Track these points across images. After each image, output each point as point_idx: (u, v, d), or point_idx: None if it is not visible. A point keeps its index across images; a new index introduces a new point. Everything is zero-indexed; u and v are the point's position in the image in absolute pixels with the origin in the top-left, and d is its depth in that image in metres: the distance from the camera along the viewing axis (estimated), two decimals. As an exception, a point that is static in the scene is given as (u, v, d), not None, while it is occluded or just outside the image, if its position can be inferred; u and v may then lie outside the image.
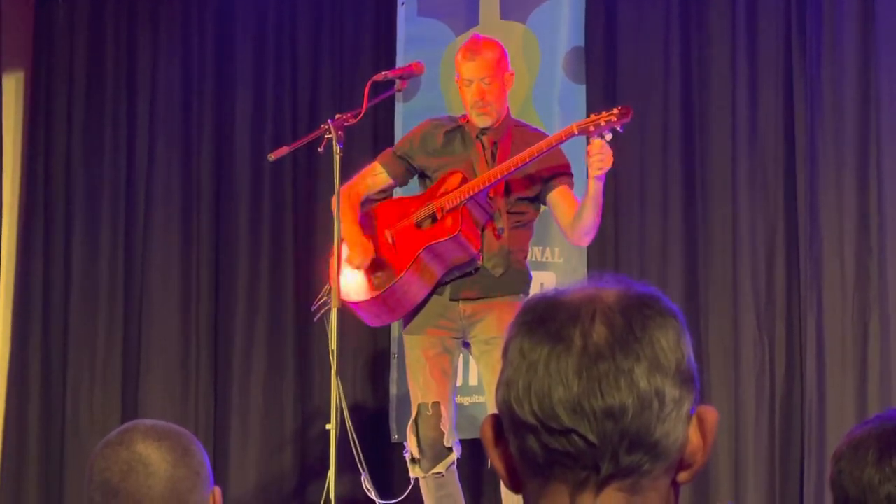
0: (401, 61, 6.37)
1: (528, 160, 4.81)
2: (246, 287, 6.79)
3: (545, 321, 1.33)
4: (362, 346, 6.60)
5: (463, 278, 4.96)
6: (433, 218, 4.97)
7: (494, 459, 1.37)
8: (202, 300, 6.83)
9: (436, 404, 4.91)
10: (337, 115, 4.98)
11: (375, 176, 5.15)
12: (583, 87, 6.34)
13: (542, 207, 5.10)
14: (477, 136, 5.03)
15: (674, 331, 1.32)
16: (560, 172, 4.97)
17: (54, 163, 7.07)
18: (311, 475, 6.50)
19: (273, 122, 6.88)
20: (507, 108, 5.11)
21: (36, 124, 7.13)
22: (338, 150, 4.89)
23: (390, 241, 5.01)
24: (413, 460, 4.93)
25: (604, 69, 6.42)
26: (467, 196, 4.89)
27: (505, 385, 1.33)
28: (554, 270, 6.26)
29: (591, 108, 6.36)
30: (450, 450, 4.90)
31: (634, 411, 1.28)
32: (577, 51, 6.36)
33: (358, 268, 4.99)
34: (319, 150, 4.98)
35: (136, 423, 2.25)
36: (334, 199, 4.95)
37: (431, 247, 4.91)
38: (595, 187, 4.78)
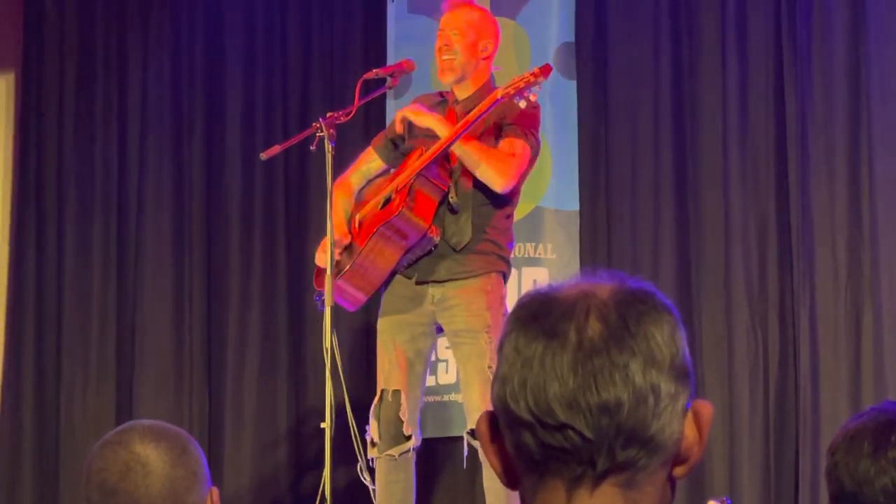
0: (391, 59, 6.38)
1: (459, 134, 4.82)
2: (238, 286, 6.79)
3: (539, 317, 1.33)
4: (356, 345, 6.60)
5: (427, 257, 4.95)
6: (390, 198, 4.98)
7: (490, 456, 1.37)
8: (195, 299, 6.82)
9: (396, 392, 4.92)
10: (328, 114, 4.98)
11: (370, 162, 5.19)
12: (573, 83, 6.34)
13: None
14: (452, 107, 5.05)
15: (668, 325, 1.33)
16: (505, 124, 4.96)
17: (45, 165, 7.06)
18: (305, 473, 6.50)
19: (264, 122, 6.88)
20: (488, 78, 5.09)
21: (26, 126, 7.12)
22: (329, 149, 4.88)
23: (356, 225, 5.03)
24: (373, 443, 4.94)
25: (594, 64, 6.41)
26: (414, 174, 4.89)
27: (500, 381, 1.34)
28: (547, 266, 6.26)
29: (583, 103, 6.37)
30: (408, 437, 4.92)
31: (630, 406, 1.29)
32: (568, 46, 6.36)
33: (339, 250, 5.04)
34: (311, 148, 4.97)
35: (133, 424, 2.26)
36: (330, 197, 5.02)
37: (380, 229, 4.90)
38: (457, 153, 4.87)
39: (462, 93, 5.06)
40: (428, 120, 4.93)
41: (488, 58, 5.08)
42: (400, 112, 5.04)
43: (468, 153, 4.86)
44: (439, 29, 5.06)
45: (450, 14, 5.06)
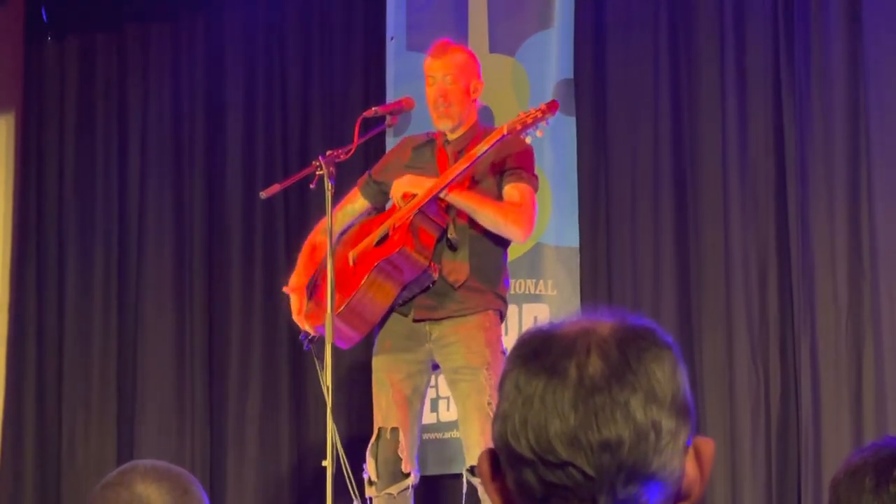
0: (391, 96, 6.39)
1: (461, 170, 4.84)
2: (239, 323, 6.79)
3: (540, 354, 1.33)
4: (356, 382, 6.59)
5: (424, 294, 4.95)
6: (387, 235, 4.99)
7: (492, 493, 1.37)
8: (196, 337, 6.82)
9: (395, 430, 4.90)
10: (328, 152, 4.97)
11: (355, 203, 5.21)
12: (573, 119, 6.35)
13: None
14: (443, 146, 5.06)
15: (669, 362, 1.33)
16: (505, 169, 4.97)
17: (46, 204, 7.08)
18: (308, 512, 6.48)
19: (264, 160, 6.89)
20: (476, 117, 5.13)
21: (27, 166, 7.14)
22: (329, 187, 4.88)
23: (351, 263, 5.03)
24: (370, 482, 4.94)
25: (593, 101, 6.43)
26: (413, 211, 4.89)
27: (501, 419, 1.34)
28: (547, 303, 6.26)
29: (582, 140, 6.38)
30: (407, 475, 4.91)
31: (631, 443, 1.29)
32: (567, 83, 6.37)
33: (291, 291, 5.07)
34: (311, 186, 4.98)
35: (135, 464, 2.25)
36: (316, 232, 5.08)
37: (380, 264, 4.89)
38: (451, 201, 4.87)
39: (453, 133, 5.09)
40: (425, 189, 4.92)
41: (476, 97, 5.12)
42: (396, 194, 5.02)
43: (487, 216, 4.88)
44: (429, 76, 5.05)
45: (439, 60, 5.05)
